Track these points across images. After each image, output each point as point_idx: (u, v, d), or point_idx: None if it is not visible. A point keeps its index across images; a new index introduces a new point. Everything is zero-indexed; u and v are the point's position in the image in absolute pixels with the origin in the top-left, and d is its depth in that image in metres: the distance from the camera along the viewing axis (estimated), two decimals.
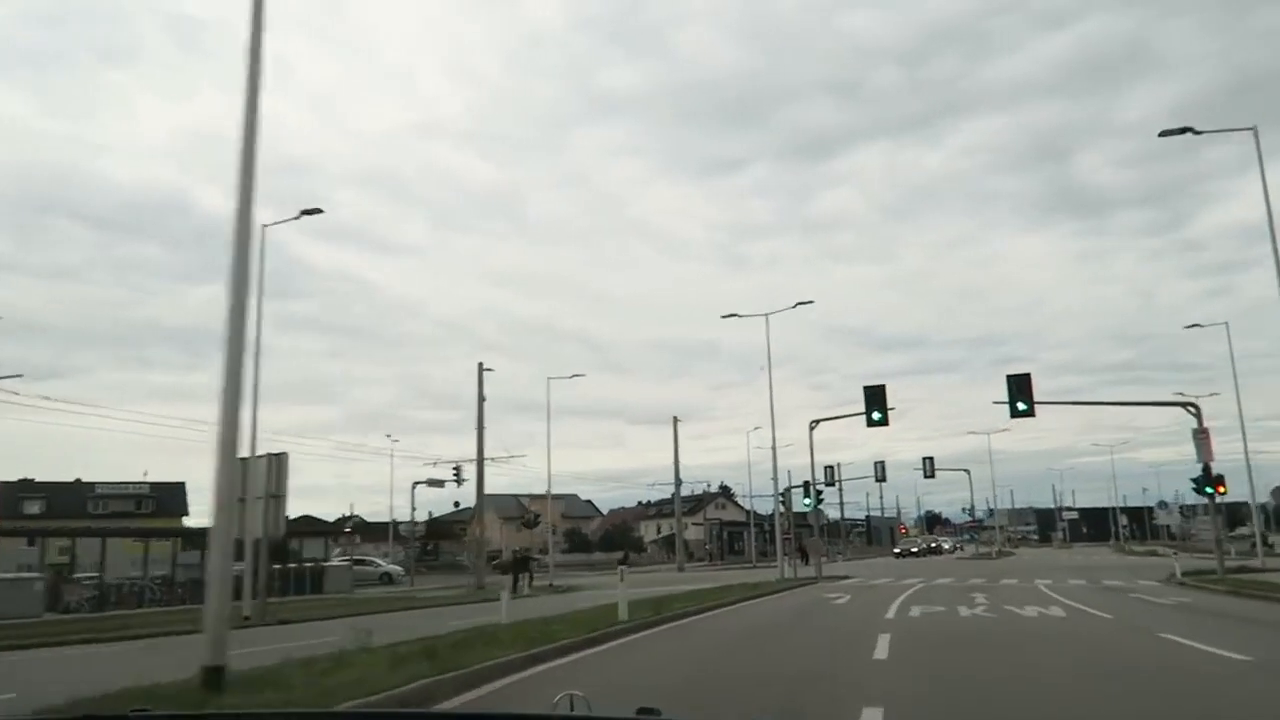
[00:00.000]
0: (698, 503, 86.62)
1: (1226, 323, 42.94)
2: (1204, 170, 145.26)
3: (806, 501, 43.02)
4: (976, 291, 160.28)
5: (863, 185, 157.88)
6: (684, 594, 23.14)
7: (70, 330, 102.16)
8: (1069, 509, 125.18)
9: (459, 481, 49.73)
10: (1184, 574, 28.58)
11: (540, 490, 47.71)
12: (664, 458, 64.55)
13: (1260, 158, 19.84)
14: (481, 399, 40.49)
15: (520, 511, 76.22)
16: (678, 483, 66.07)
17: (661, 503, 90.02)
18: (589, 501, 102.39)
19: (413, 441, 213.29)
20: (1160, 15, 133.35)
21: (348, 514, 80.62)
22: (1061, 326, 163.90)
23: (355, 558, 50.76)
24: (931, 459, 65.94)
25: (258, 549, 23.27)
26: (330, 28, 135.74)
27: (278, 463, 23.44)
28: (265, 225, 25.32)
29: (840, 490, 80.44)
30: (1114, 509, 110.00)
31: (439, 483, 51.14)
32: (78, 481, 70.70)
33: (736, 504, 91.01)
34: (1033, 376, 29.94)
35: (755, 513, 77.80)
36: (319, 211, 24.84)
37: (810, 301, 38.83)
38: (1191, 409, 30.03)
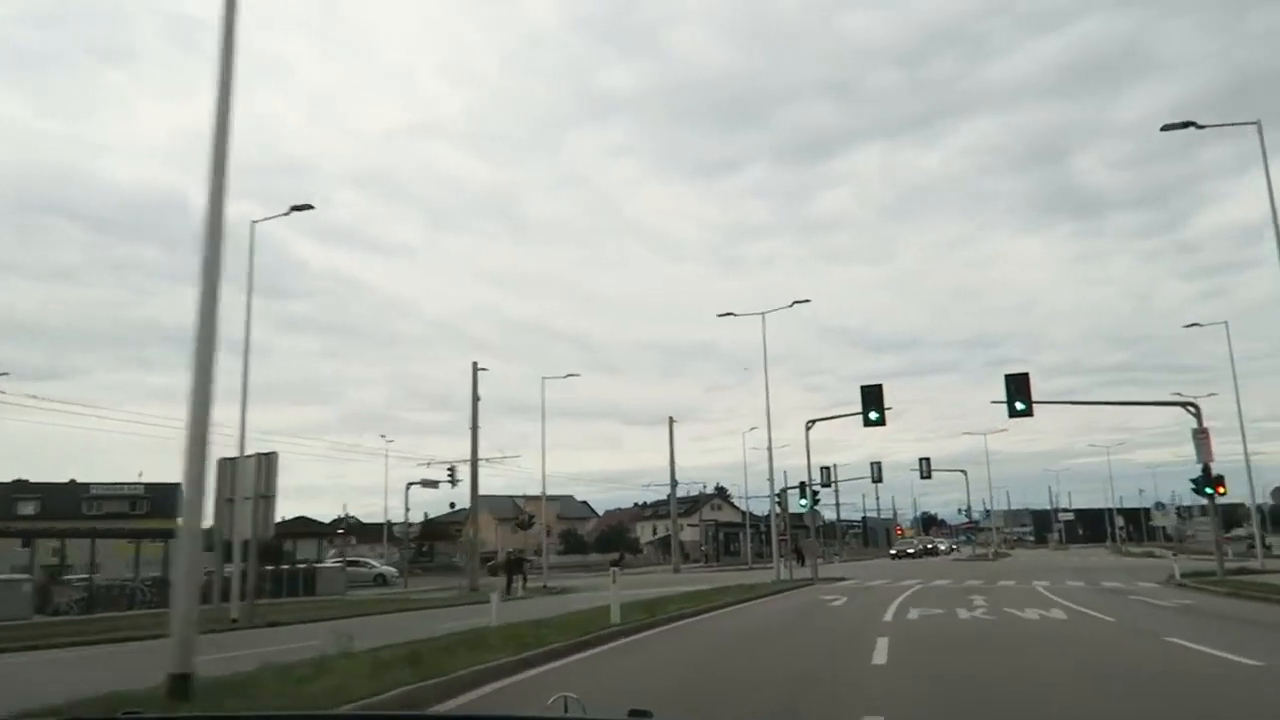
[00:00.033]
0: (693, 504, 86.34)
1: (1226, 322, 42.92)
2: (1200, 172, 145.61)
3: (803, 502, 42.76)
4: (973, 292, 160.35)
5: (859, 186, 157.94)
6: (679, 596, 22.83)
7: (70, 331, 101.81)
8: (1065, 510, 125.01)
9: (453, 482, 49.40)
10: (1183, 575, 28.31)
11: (536, 491, 47.38)
12: (660, 459, 64.26)
13: (1264, 152, 19.65)
14: (476, 399, 40.14)
15: (515, 513, 75.92)
16: (673, 484, 65.78)
17: (657, 504, 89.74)
18: (585, 503, 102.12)
19: (408, 442, 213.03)
20: (1158, 16, 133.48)
21: (342, 515, 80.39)
22: (1057, 328, 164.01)
23: (349, 559, 50.48)
24: (928, 460, 65.86)
25: (247, 550, 22.99)
26: (328, 28, 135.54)
27: (267, 462, 23.16)
28: (255, 221, 25.09)
29: (836, 491, 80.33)
30: (1110, 510, 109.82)
31: (433, 483, 50.83)
32: (72, 482, 70.36)
33: (732, 505, 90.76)
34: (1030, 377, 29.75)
35: (751, 514, 77.56)
36: (309, 207, 24.52)
37: (807, 300, 38.52)
38: (1191, 409, 29.80)
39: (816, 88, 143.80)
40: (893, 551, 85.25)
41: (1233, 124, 20.95)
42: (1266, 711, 7.73)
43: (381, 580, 47.81)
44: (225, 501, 23.47)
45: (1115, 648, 12.29)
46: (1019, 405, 29.43)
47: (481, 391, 40.49)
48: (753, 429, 74.68)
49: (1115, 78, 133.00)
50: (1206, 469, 28.41)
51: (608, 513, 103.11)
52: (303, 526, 59.73)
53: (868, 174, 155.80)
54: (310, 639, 13.43)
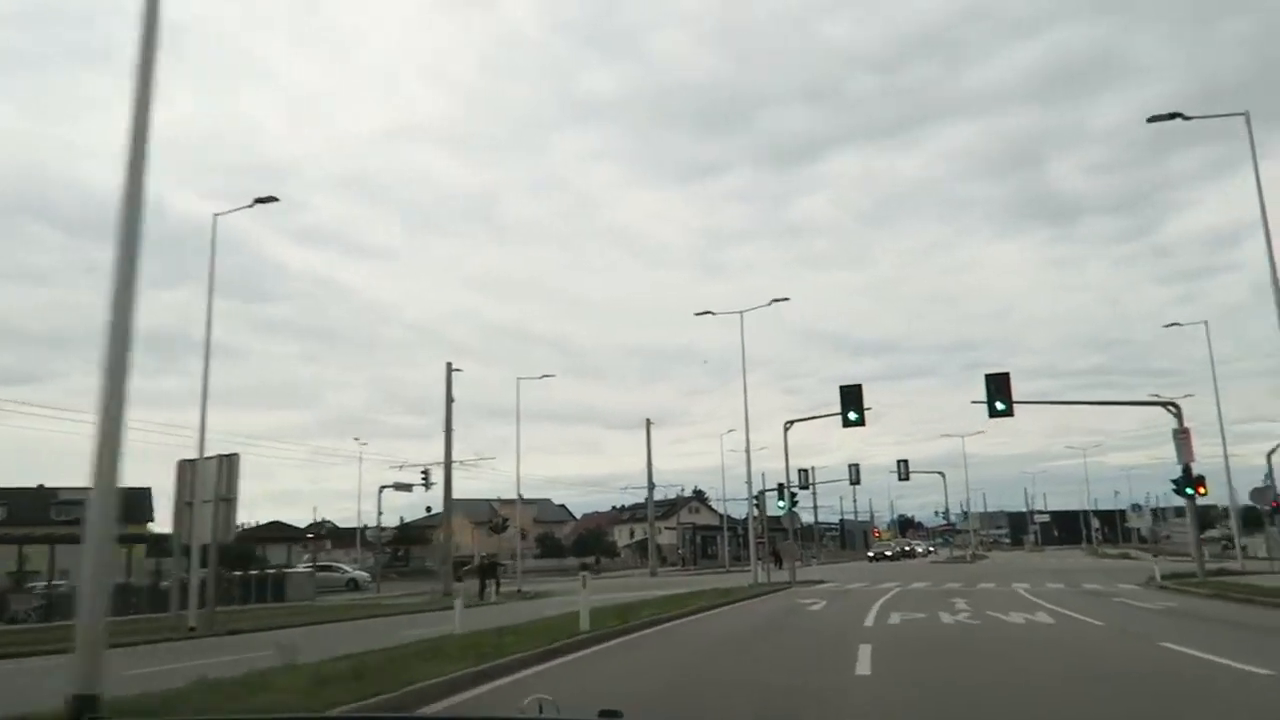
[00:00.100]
0: (671, 507, 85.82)
1: (1206, 322, 43.04)
2: (1172, 178, 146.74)
3: (781, 504, 42.31)
4: (950, 297, 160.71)
5: (838, 191, 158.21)
6: (654, 600, 22.21)
7: (45, 335, 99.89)
8: (1040, 512, 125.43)
9: (427, 485, 48.53)
10: (1164, 577, 28.01)
11: (514, 494, 46.62)
12: (639, 462, 63.85)
13: (1253, 143, 19.33)
14: (450, 400, 39.39)
15: (492, 516, 75.06)
16: (650, 486, 65.18)
17: (635, 507, 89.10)
18: (562, 506, 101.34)
19: (385, 446, 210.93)
20: (1131, 24, 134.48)
21: (315, 519, 79.20)
22: (1034, 332, 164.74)
23: (321, 564, 49.59)
24: (906, 461, 65.56)
25: (206, 554, 22.21)
26: (309, 31, 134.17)
27: (228, 464, 22.37)
28: (217, 214, 24.32)
29: (814, 493, 79.74)
30: (1086, 512, 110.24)
31: (406, 486, 49.90)
32: (40, 488, 68.82)
33: (710, 508, 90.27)
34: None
35: (729, 517, 77.12)
36: (274, 199, 23.75)
37: (786, 299, 38.05)
38: (1172, 408, 29.56)
39: (796, 93, 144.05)
40: (871, 554, 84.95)
41: (1219, 115, 20.66)
42: None
43: (354, 585, 46.98)
44: (185, 504, 22.69)
45: (1107, 653, 11.73)
46: (999, 405, 29.13)
47: (460, 395, 39.80)
48: (731, 431, 74.58)
49: (1090, 84, 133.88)
50: (1187, 469, 28.13)
51: (586, 516, 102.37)
52: (277, 531, 58.86)
53: (846, 180, 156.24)
54: (266, 649, 12.72)
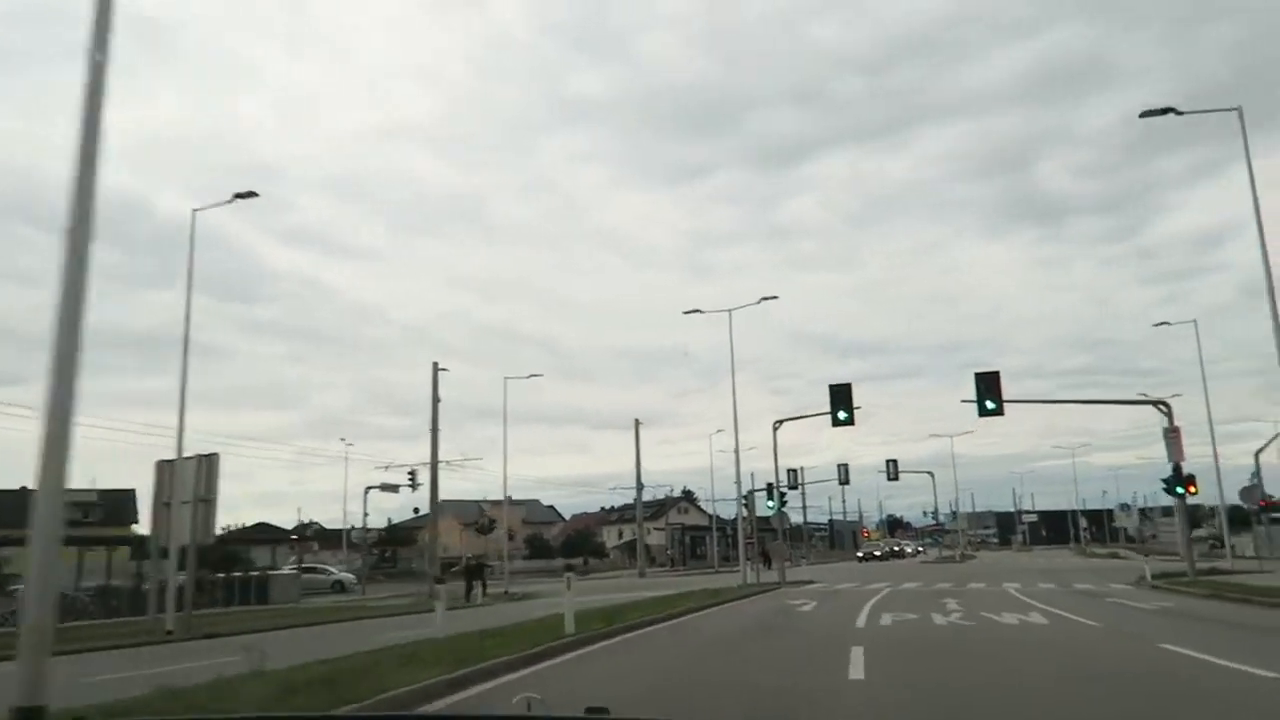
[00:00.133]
0: (660, 507, 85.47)
1: (1195, 320, 42.89)
2: (1158, 180, 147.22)
3: (770, 504, 42.02)
4: (938, 298, 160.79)
5: (827, 193, 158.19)
6: (642, 602, 21.88)
7: (35, 337, 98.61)
8: (1028, 512, 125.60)
9: (413, 486, 48.03)
10: (1155, 577, 27.83)
11: (502, 495, 46.19)
12: (628, 463, 63.22)
13: (1245, 138, 19.18)
14: (436, 400, 38.98)
15: (479, 517, 74.60)
16: (639, 487, 64.76)
17: (624, 508, 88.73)
18: (551, 507, 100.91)
19: (372, 447, 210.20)
20: (1120, 27, 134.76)
21: (301, 521, 78.55)
22: (1021, 333, 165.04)
23: (306, 565, 49.05)
24: (895, 461, 65.52)
25: (184, 556, 21.79)
26: (297, 32, 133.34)
27: (208, 464, 21.99)
28: (196, 210, 23.89)
29: (803, 493, 79.69)
30: (1074, 512, 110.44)
31: (392, 487, 49.40)
32: (23, 489, 68.00)
33: (699, 508, 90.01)
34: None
35: (718, 517, 76.82)
36: (253, 194, 23.32)
37: (774, 297, 37.68)
38: (1163, 407, 29.42)
39: (784, 95, 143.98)
40: (860, 554, 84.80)
41: (1213, 110, 20.54)
42: None
43: (340, 587, 46.47)
44: (163, 505, 22.28)
45: (1102, 654, 11.45)
46: (989, 404, 28.97)
47: (448, 396, 39.49)
48: (719, 431, 73.77)
49: (1078, 87, 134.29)
50: (1177, 468, 27.99)
51: (574, 517, 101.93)
52: (262, 533, 58.29)
53: (834, 181, 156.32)
54: (240, 653, 12.34)
